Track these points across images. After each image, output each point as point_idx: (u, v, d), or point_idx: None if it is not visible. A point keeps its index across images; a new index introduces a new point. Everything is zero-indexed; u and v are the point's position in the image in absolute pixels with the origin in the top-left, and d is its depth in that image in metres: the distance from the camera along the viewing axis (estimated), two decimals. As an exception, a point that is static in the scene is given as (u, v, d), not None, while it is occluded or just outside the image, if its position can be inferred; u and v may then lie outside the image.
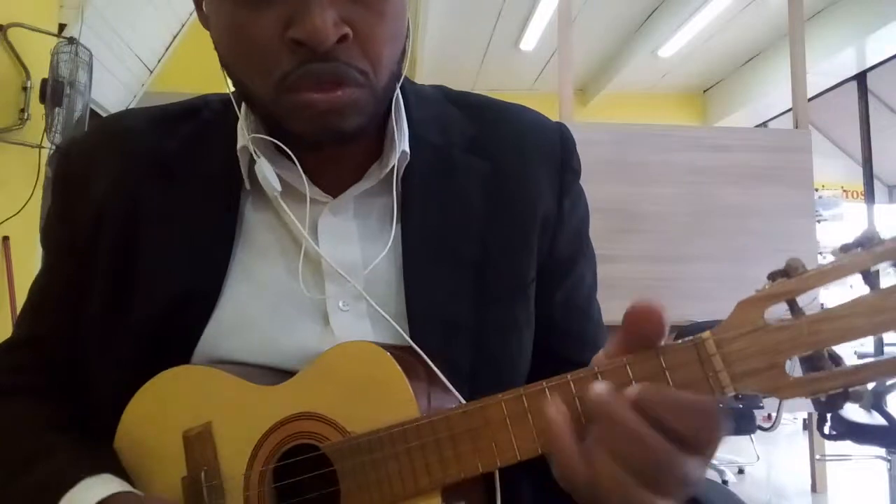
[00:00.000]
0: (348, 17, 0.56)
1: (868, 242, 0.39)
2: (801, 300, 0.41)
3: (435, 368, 0.58)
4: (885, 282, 0.39)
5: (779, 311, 0.42)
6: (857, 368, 0.40)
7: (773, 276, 0.42)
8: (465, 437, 0.50)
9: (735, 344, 0.43)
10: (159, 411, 0.61)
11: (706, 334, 0.43)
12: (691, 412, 0.42)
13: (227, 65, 0.62)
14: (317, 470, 0.55)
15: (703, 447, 0.43)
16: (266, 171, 0.62)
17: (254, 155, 0.63)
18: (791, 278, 0.41)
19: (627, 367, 0.45)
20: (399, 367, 0.55)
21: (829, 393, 0.40)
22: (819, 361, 0.40)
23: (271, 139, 0.63)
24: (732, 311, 0.43)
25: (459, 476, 0.51)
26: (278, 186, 0.63)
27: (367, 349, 0.56)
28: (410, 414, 0.53)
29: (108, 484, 0.56)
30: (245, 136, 0.64)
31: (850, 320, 0.40)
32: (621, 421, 0.43)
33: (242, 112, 0.65)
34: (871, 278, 0.39)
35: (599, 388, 0.44)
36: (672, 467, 0.42)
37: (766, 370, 0.42)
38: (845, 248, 0.39)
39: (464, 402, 0.56)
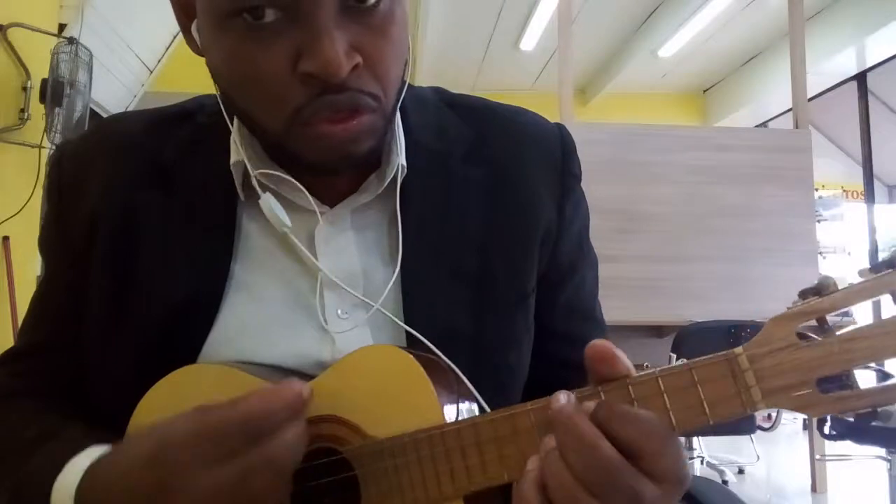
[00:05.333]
0: (357, 44, 0.55)
1: (898, 264, 0.39)
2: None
3: (460, 374, 0.57)
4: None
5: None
6: (886, 388, 0.40)
7: (804, 294, 0.42)
8: (492, 445, 0.50)
9: (767, 360, 0.44)
10: (174, 409, 0.60)
11: (739, 350, 0.44)
12: (637, 422, 0.44)
13: (228, 94, 0.60)
14: (337, 474, 0.55)
15: (653, 464, 0.44)
16: (274, 208, 0.61)
17: (257, 188, 0.62)
18: (822, 297, 0.42)
19: (659, 380, 0.46)
20: (423, 371, 0.54)
21: (858, 412, 0.40)
22: (848, 380, 0.40)
23: (271, 171, 0.62)
24: (764, 327, 0.44)
25: (484, 484, 0.50)
26: (288, 222, 0.62)
27: (391, 353, 0.56)
28: (434, 419, 0.52)
29: (87, 459, 0.54)
30: (238, 151, 0.63)
31: (880, 340, 0.40)
32: (575, 427, 0.44)
33: (235, 125, 0.64)
34: (901, 299, 0.39)
35: (561, 397, 0.46)
36: (621, 478, 0.43)
37: (798, 387, 0.42)
38: (875, 269, 0.40)
39: (487, 408, 0.56)
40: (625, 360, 0.47)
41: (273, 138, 0.59)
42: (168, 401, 0.60)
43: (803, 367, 0.42)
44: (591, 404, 0.45)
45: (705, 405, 0.45)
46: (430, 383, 0.54)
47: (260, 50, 0.54)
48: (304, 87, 0.54)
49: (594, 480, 0.43)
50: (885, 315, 0.39)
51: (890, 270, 0.39)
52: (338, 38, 0.53)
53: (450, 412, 0.54)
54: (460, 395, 0.57)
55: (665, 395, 0.45)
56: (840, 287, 0.41)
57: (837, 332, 0.41)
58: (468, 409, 0.56)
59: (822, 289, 0.41)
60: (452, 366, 0.58)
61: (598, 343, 0.47)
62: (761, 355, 0.44)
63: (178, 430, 0.49)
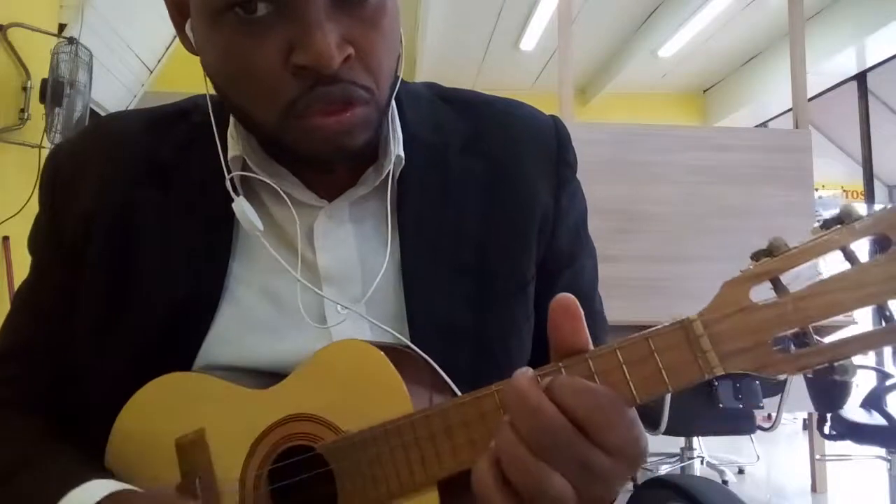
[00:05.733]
0: (349, 36, 0.55)
1: (847, 218, 0.40)
2: (785, 278, 0.41)
3: (432, 362, 0.58)
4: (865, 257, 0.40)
5: (764, 289, 0.43)
6: (842, 342, 0.40)
7: (756, 256, 0.42)
8: (461, 429, 0.50)
9: (722, 324, 0.44)
10: (151, 419, 0.60)
11: (693, 316, 0.44)
12: (586, 394, 0.44)
13: (222, 90, 0.60)
14: (313, 470, 0.55)
15: (603, 436, 0.43)
16: (247, 211, 0.61)
17: (231, 192, 0.62)
18: (774, 257, 0.42)
19: (617, 352, 0.46)
20: (391, 364, 0.54)
21: (815, 368, 0.41)
22: (805, 338, 0.41)
23: (258, 176, 0.62)
24: (718, 293, 0.44)
25: (456, 468, 0.50)
26: (260, 226, 0.62)
27: (358, 347, 0.56)
28: (405, 410, 0.53)
29: (110, 484, 0.55)
30: (236, 147, 0.63)
31: (833, 296, 0.40)
32: (522, 394, 0.44)
33: (231, 120, 0.65)
34: (851, 254, 0.40)
35: (518, 372, 0.46)
36: (569, 444, 0.43)
37: (754, 348, 0.42)
38: (826, 225, 0.40)
39: (460, 395, 0.56)
40: (586, 330, 0.47)
41: (268, 133, 0.59)
42: (146, 414, 0.60)
43: (758, 328, 0.42)
44: (547, 379, 0.45)
45: (664, 374, 0.45)
46: (398, 375, 0.54)
47: (252, 44, 0.54)
48: (297, 80, 0.55)
49: (542, 445, 0.43)
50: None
51: (839, 227, 0.39)
52: (329, 30, 0.53)
53: (421, 402, 0.54)
54: (433, 384, 0.57)
55: (624, 367, 0.45)
56: (791, 247, 0.41)
57: (791, 292, 0.41)
58: (440, 397, 0.56)
59: (773, 249, 0.41)
60: (424, 355, 0.58)
61: (564, 296, 0.47)
62: (716, 320, 0.44)
63: None
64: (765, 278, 0.42)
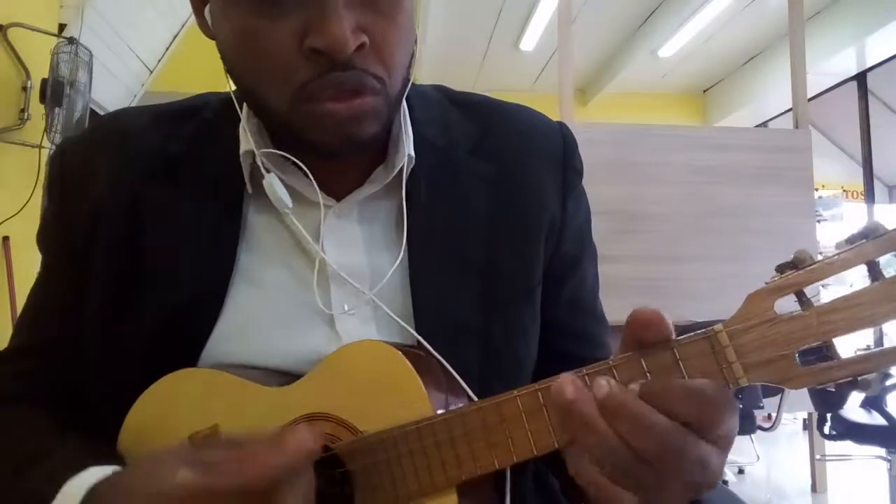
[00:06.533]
0: (364, 25, 0.56)
1: (872, 234, 0.40)
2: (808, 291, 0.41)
3: (447, 365, 0.58)
4: (890, 271, 0.40)
5: (788, 302, 0.42)
6: (865, 357, 0.40)
7: (781, 269, 0.42)
8: (481, 433, 0.50)
9: (747, 335, 0.44)
10: (164, 415, 0.60)
11: (718, 326, 0.44)
12: (692, 394, 0.43)
13: (236, 74, 0.61)
14: (329, 471, 0.55)
15: (711, 428, 0.43)
16: (276, 187, 0.62)
17: (262, 167, 0.63)
18: (799, 270, 0.42)
19: (642, 361, 0.46)
20: (411, 366, 0.54)
21: (838, 382, 0.41)
22: (827, 351, 0.41)
23: (280, 153, 0.63)
24: (743, 304, 0.44)
25: (476, 472, 0.51)
26: (289, 202, 0.62)
27: (377, 348, 0.56)
28: (423, 412, 0.53)
29: (107, 470, 0.54)
30: (248, 140, 0.63)
31: (857, 310, 0.40)
32: (629, 409, 0.44)
33: (244, 115, 0.65)
34: (876, 269, 0.40)
35: (607, 380, 0.45)
36: (685, 449, 0.43)
37: (778, 361, 0.43)
38: (851, 240, 0.40)
39: (475, 398, 0.56)
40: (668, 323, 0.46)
41: (279, 118, 0.59)
42: (159, 410, 0.60)
43: (782, 340, 0.42)
44: (636, 385, 0.45)
45: None
46: (417, 376, 0.54)
47: (268, 25, 0.55)
48: (310, 64, 0.56)
49: (658, 457, 0.43)
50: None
51: (864, 241, 0.39)
52: (345, 16, 0.54)
53: (439, 405, 0.54)
54: (448, 386, 0.57)
55: (649, 377, 0.46)
56: (816, 260, 0.41)
57: (815, 305, 0.41)
58: (455, 399, 0.57)
59: (798, 262, 0.41)
60: (438, 357, 0.58)
61: (643, 311, 0.46)
62: (741, 331, 0.44)
63: (175, 488, 0.47)
64: (789, 291, 0.42)
